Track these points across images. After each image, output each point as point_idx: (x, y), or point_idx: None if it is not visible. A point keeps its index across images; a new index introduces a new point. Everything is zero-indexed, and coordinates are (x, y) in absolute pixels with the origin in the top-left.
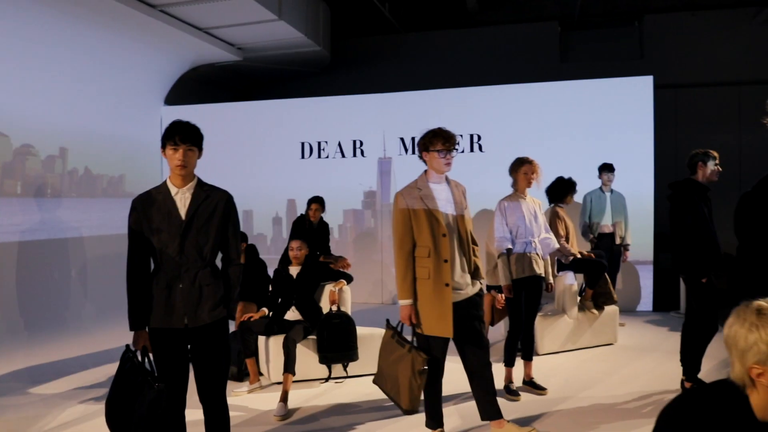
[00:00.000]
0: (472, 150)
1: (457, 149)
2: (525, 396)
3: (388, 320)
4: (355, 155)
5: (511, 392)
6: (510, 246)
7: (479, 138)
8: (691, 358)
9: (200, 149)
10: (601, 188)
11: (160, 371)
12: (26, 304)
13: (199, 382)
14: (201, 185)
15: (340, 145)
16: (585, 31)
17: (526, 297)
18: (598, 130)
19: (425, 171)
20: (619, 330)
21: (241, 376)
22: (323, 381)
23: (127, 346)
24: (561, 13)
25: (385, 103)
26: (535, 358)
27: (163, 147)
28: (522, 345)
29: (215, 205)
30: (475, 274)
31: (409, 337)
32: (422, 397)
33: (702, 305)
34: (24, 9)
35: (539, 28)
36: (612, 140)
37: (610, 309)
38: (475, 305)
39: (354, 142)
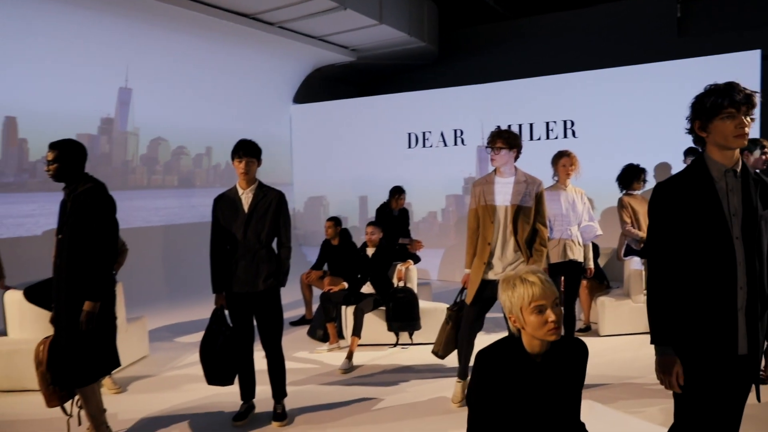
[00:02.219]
0: (565, 136)
1: (501, 148)
2: None
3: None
4: (456, 144)
5: None
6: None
7: (572, 124)
8: None
9: (259, 160)
10: None
11: (232, 322)
12: (170, 276)
13: (260, 334)
14: (260, 186)
15: (442, 134)
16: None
17: (565, 280)
18: None
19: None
20: None
21: (326, 338)
22: (391, 346)
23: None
24: None
25: (483, 94)
26: (594, 338)
27: (232, 159)
28: (564, 324)
29: (270, 202)
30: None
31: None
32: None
33: None
34: (175, 40)
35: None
36: None
37: None
38: None
39: (455, 131)
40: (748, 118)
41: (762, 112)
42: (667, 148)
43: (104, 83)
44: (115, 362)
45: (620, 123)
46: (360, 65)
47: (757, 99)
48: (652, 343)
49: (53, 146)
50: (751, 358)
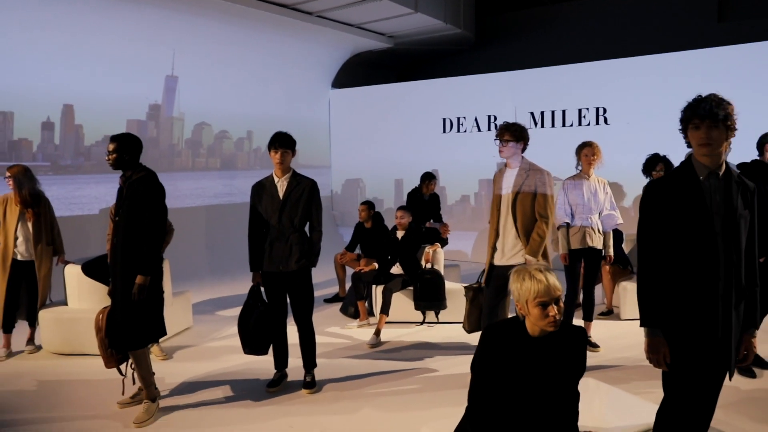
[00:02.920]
0: (597, 123)
1: (508, 141)
2: None
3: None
4: (489, 129)
5: None
6: (568, 220)
7: (605, 111)
8: None
9: (293, 150)
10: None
11: (267, 298)
12: (213, 253)
13: (292, 309)
14: (295, 175)
15: (476, 119)
16: None
17: (585, 266)
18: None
19: None
20: None
21: (356, 314)
22: (418, 324)
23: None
24: None
25: (517, 80)
26: (616, 322)
27: (269, 149)
28: (583, 307)
29: (303, 190)
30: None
31: None
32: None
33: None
34: (218, 29)
35: None
36: (748, 110)
37: None
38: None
39: (488, 116)
40: (716, 132)
41: None
42: None
43: (152, 71)
44: (162, 331)
45: (653, 112)
46: (397, 51)
47: (725, 112)
48: (641, 326)
49: (114, 139)
50: (726, 341)
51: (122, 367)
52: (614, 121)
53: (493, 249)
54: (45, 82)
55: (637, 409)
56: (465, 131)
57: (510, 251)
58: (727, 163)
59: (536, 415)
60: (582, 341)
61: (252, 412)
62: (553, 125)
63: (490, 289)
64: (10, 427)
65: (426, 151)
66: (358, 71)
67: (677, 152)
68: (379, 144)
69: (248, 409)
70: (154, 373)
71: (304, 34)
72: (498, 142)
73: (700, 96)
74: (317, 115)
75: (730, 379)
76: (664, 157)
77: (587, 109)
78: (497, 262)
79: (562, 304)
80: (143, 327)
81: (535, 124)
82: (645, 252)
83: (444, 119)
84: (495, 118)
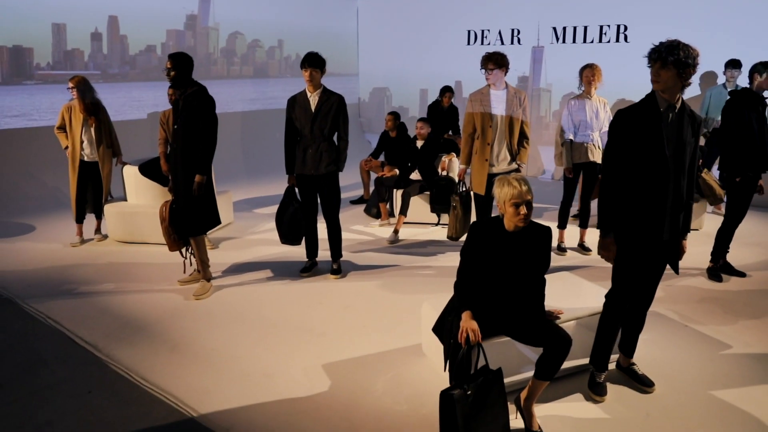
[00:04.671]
0: (617, 40)
1: (493, 68)
2: (573, 254)
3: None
4: (512, 43)
5: (561, 249)
6: (572, 137)
7: (626, 29)
8: (717, 244)
9: (323, 69)
10: (724, 85)
11: (300, 198)
12: (248, 157)
13: (322, 208)
14: (325, 91)
15: (500, 33)
16: None
17: (583, 178)
18: (750, 21)
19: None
20: (711, 218)
21: (378, 215)
22: (434, 225)
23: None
24: None
25: None
26: None
27: (301, 68)
28: (580, 216)
29: (332, 104)
30: (514, 158)
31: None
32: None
33: (734, 199)
34: None
35: None
36: (764, 31)
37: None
38: None
39: (512, 30)
40: (665, 72)
41: None
42: (714, 57)
43: None
44: (217, 220)
45: (673, 33)
46: None
47: (674, 57)
48: (598, 228)
49: (171, 57)
50: (671, 243)
51: (183, 251)
52: (634, 39)
53: (488, 161)
54: None
55: (595, 295)
56: (489, 44)
57: (503, 162)
58: (682, 100)
59: (507, 292)
60: (547, 238)
61: (289, 289)
62: (574, 41)
63: (487, 193)
64: (94, 294)
65: (451, 63)
66: None
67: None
68: (406, 54)
69: (286, 286)
70: (208, 258)
71: None
72: (483, 71)
73: (661, 42)
74: (346, 24)
75: (677, 273)
76: None
77: (608, 26)
78: (495, 171)
79: (532, 206)
80: (202, 216)
81: (557, 39)
82: (608, 170)
83: (469, 31)
84: (518, 32)
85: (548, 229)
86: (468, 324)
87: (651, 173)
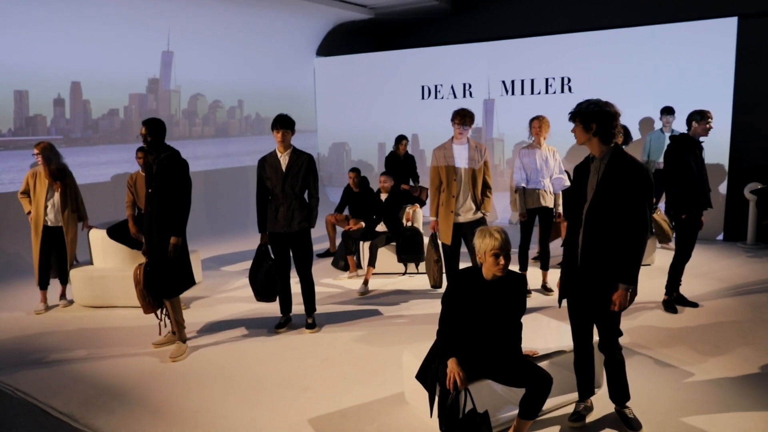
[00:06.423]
0: (562, 91)
1: (469, 126)
2: (537, 296)
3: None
4: (464, 96)
5: None
6: (524, 184)
7: (569, 80)
8: (670, 278)
9: (293, 130)
10: (661, 129)
11: (273, 255)
12: (212, 215)
13: (295, 264)
14: (295, 150)
15: (452, 87)
16: None
17: (539, 223)
18: (682, 72)
19: (453, 135)
20: (661, 253)
21: (346, 267)
22: (401, 274)
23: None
24: None
25: (489, 51)
26: None
27: (272, 129)
28: (540, 259)
29: (302, 163)
30: (478, 207)
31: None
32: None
33: (682, 236)
34: (209, 6)
35: None
36: (694, 81)
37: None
38: (474, 226)
39: (464, 84)
40: (577, 129)
41: (736, 78)
42: (647, 106)
43: (150, 48)
44: (192, 280)
45: (614, 82)
46: (378, 21)
47: (578, 116)
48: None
49: (146, 123)
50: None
51: (158, 312)
52: (578, 90)
53: (454, 212)
54: (54, 61)
55: (564, 335)
56: (442, 98)
57: (468, 212)
58: (613, 149)
59: (488, 338)
60: (522, 285)
61: (266, 346)
62: (522, 93)
63: (453, 246)
64: (65, 362)
65: (406, 117)
66: (341, 40)
67: (633, 119)
68: (363, 109)
69: (263, 343)
70: (184, 318)
71: (289, 7)
72: (461, 126)
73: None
74: (303, 83)
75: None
76: (624, 126)
77: (553, 78)
78: (461, 220)
79: (510, 257)
80: (178, 278)
81: (507, 91)
82: (566, 207)
83: (423, 86)
84: (470, 86)
85: (523, 277)
86: (455, 370)
87: (576, 211)
